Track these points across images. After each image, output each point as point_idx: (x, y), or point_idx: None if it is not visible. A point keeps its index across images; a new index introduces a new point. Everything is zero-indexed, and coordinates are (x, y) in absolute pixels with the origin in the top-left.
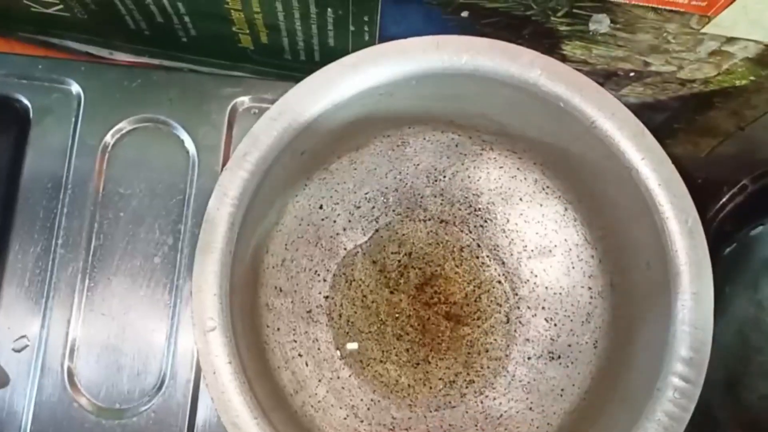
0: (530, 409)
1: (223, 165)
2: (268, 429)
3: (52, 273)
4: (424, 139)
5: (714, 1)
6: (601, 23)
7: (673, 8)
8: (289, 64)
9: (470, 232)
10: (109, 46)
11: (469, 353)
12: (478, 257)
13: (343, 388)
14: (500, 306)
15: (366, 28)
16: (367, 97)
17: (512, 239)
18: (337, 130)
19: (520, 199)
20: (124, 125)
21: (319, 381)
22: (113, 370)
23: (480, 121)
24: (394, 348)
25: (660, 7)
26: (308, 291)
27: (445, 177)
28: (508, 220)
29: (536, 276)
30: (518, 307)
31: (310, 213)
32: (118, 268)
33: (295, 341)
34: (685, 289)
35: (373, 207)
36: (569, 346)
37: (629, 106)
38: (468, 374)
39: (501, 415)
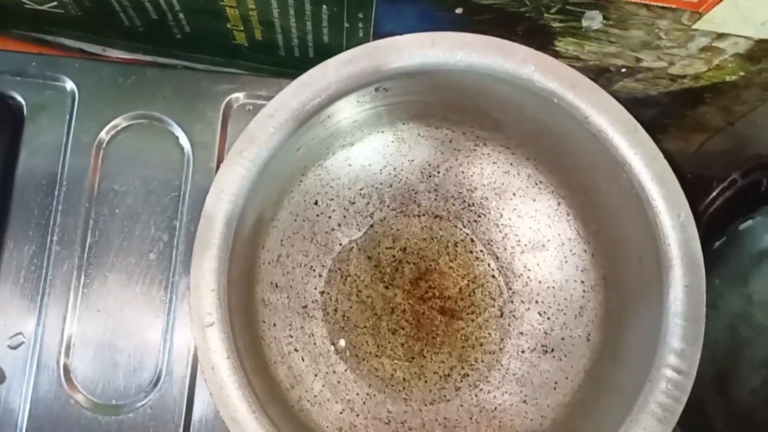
0: (524, 402)
1: (218, 161)
2: (266, 423)
3: (47, 270)
4: (419, 135)
5: None
6: (593, 20)
7: (665, 5)
8: (284, 61)
9: (464, 227)
10: (103, 43)
11: (463, 347)
12: (472, 252)
13: (338, 382)
14: (494, 300)
15: (360, 25)
16: (362, 94)
17: (506, 234)
18: (332, 126)
19: (514, 194)
20: (119, 122)
21: (315, 375)
22: (109, 366)
23: (474, 117)
24: (390, 342)
25: (652, 3)
26: (304, 286)
27: (439, 173)
28: (501, 215)
29: (530, 270)
30: (512, 301)
31: (305, 209)
32: (114, 264)
33: (291, 336)
34: (678, 282)
35: (368, 203)
36: (562, 339)
37: (621, 101)
38: (462, 368)
39: (495, 408)
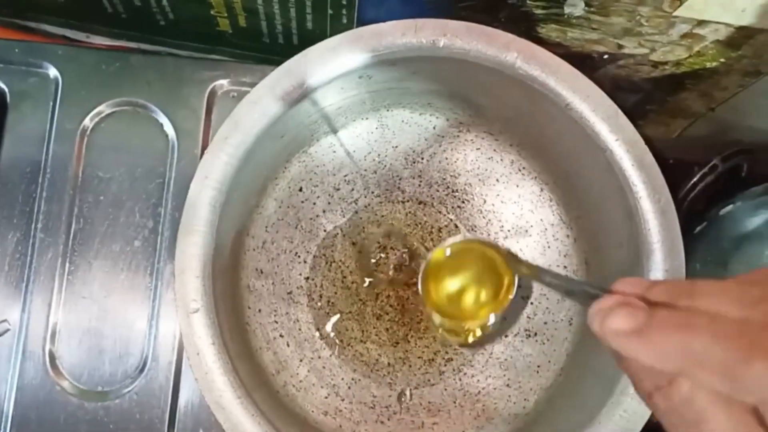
0: (507, 385)
1: (203, 148)
2: (251, 408)
3: (32, 257)
4: (402, 121)
5: None
6: (575, 6)
7: None
8: (268, 48)
9: (448, 213)
10: (87, 30)
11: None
12: None
13: (324, 367)
14: None
15: (344, 12)
16: (347, 81)
17: (489, 219)
18: (317, 113)
19: (497, 180)
20: (103, 109)
21: (301, 361)
22: (95, 353)
23: (457, 104)
24: (374, 328)
25: None
26: (289, 272)
27: (423, 159)
28: (485, 201)
29: None
30: None
31: (290, 195)
32: (99, 251)
33: (276, 322)
34: (658, 266)
35: (352, 189)
36: (545, 323)
37: (603, 88)
38: (446, 352)
39: (479, 392)
